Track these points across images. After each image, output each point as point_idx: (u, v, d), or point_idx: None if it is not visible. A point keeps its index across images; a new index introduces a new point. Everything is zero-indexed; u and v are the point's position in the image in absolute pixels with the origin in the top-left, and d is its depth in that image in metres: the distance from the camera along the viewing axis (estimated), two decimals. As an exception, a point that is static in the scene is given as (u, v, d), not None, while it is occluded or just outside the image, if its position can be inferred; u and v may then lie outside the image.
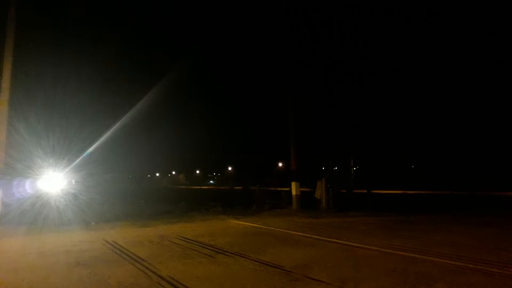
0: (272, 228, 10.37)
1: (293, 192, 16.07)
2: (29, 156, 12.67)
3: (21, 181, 12.11)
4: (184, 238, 8.55)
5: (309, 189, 17.67)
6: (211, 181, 68.79)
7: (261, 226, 10.90)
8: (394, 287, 4.67)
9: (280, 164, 46.12)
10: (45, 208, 11.87)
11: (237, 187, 26.89)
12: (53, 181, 13.63)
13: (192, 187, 45.31)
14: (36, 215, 11.17)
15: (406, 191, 19.85)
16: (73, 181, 14.79)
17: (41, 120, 13.49)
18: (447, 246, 7.23)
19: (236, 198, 20.59)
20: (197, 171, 75.43)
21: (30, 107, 12.91)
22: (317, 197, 15.83)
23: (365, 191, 16.27)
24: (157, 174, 79.59)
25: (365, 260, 6.12)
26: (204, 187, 42.77)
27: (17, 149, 12.05)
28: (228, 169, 65.92)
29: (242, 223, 11.68)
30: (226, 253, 6.77)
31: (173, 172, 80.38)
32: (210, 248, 7.31)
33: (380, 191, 18.74)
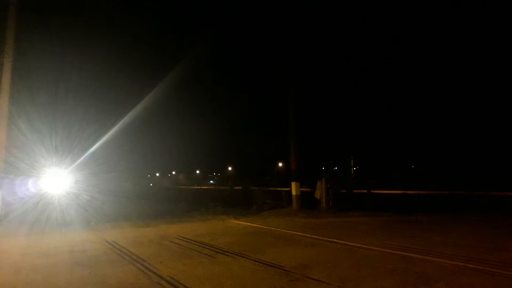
0: (272, 228, 10.38)
1: (293, 192, 16.06)
2: (32, 155, 12.70)
3: (23, 180, 12.13)
4: (184, 238, 8.56)
5: (309, 189, 17.66)
6: (211, 181, 68.75)
7: (261, 226, 10.91)
8: (394, 287, 4.69)
9: (280, 164, 46.09)
10: (48, 207, 11.89)
11: (237, 187, 26.89)
12: (55, 180, 13.64)
13: (192, 187, 45.34)
14: (38, 214, 11.19)
15: (406, 191, 19.87)
16: (75, 180, 14.80)
17: (43, 119, 13.53)
18: (447, 246, 7.24)
19: (236, 198, 20.60)
20: (197, 171, 75.43)
21: (33, 106, 12.94)
22: (317, 197, 15.83)
23: (365, 191, 16.27)
24: (157, 174, 79.62)
25: (365, 260, 6.13)
26: (204, 187, 42.79)
27: (20, 148, 12.07)
28: (228, 169, 65.86)
29: (242, 223, 11.69)
30: (226, 253, 6.78)
31: (173, 172, 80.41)
32: (210, 248, 7.32)
33: (380, 191, 18.75)
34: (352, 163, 16.83)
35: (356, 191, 16.31)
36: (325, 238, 8.36)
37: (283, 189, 19.35)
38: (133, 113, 18.85)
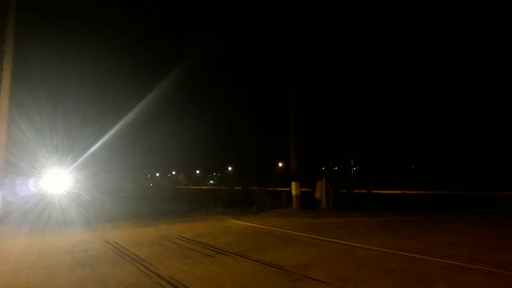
0: (272, 228, 10.39)
1: (293, 192, 16.06)
2: (33, 155, 12.73)
3: (24, 179, 12.15)
4: (184, 238, 8.56)
5: (309, 189, 17.67)
6: (211, 181, 68.76)
7: (261, 226, 10.91)
8: (394, 287, 4.69)
9: (280, 164, 46.10)
10: (48, 207, 11.90)
11: (237, 187, 26.91)
12: (56, 180, 13.66)
13: (192, 187, 45.36)
14: (39, 214, 11.21)
15: (406, 191, 19.89)
16: (75, 180, 14.81)
17: (44, 119, 13.56)
18: (447, 246, 7.24)
19: (236, 198, 20.61)
20: (197, 171, 75.41)
21: (34, 107, 12.97)
22: (317, 197, 15.83)
23: (365, 191, 16.27)
24: (157, 174, 79.55)
25: (365, 260, 6.13)
26: (204, 187, 42.81)
27: (21, 148, 12.09)
28: (228, 169, 65.85)
29: (242, 223, 11.70)
30: (226, 253, 6.78)
31: (173, 172, 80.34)
32: (210, 248, 7.32)
33: (380, 191, 18.76)
34: (352, 163, 16.82)
35: (356, 191, 16.32)
36: (325, 238, 8.36)
37: (283, 189, 19.36)
38: (133, 113, 18.88)
